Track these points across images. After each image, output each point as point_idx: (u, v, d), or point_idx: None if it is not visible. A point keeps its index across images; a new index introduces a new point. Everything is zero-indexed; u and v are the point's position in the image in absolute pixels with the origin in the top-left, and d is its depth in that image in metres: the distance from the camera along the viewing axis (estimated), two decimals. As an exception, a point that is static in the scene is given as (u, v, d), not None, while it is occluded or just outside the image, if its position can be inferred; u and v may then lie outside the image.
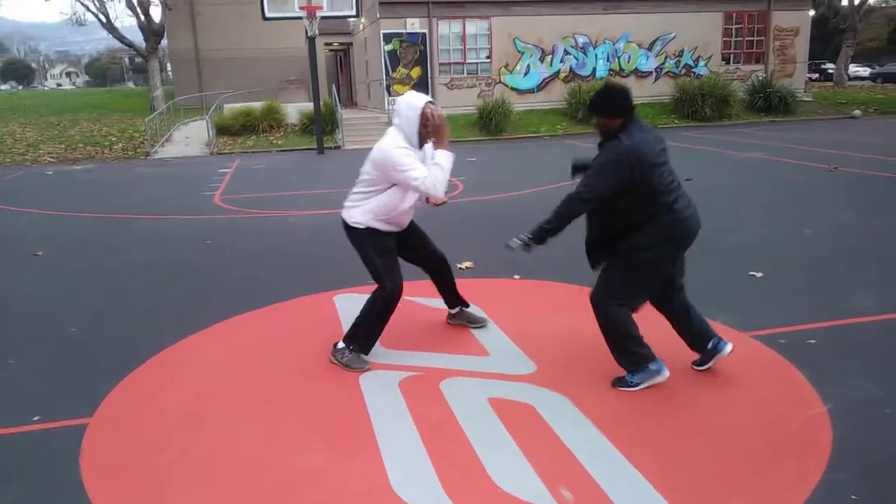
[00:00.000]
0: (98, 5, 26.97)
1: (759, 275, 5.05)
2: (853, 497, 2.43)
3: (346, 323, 4.35)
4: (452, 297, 4.23)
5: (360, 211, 3.67)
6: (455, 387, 3.42)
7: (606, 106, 3.09)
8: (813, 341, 3.81)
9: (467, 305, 4.30)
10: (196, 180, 11.87)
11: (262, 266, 5.94)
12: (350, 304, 4.70)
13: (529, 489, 2.54)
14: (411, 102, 3.48)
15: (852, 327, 4.01)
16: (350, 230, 3.74)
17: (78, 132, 20.76)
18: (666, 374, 3.28)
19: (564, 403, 3.20)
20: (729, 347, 3.38)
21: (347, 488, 2.60)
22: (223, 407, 3.30)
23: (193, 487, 2.64)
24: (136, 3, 25.95)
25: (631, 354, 3.28)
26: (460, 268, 5.49)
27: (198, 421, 3.17)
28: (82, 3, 27.30)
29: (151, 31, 26.73)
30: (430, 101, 3.50)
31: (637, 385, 3.27)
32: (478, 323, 4.24)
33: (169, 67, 37.83)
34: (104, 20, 27.39)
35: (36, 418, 3.25)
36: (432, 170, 3.47)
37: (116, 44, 35.01)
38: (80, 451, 2.94)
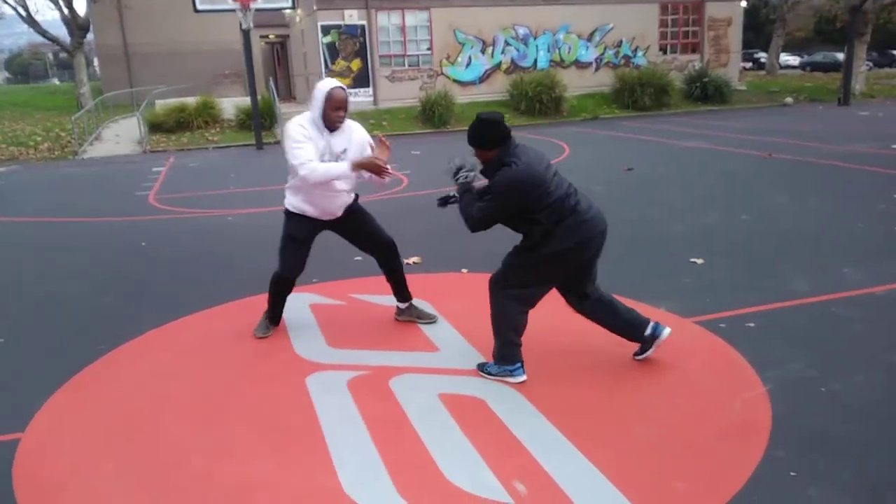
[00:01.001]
0: (17, -2, 25.64)
1: (700, 261, 5.18)
2: (792, 474, 2.51)
3: (291, 323, 4.29)
4: (400, 289, 4.19)
5: (290, 192, 3.86)
6: (405, 384, 3.38)
7: (483, 140, 3.16)
8: (752, 325, 3.92)
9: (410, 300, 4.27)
10: (129, 180, 11.44)
11: (201, 268, 5.76)
12: (294, 304, 4.61)
13: (483, 484, 2.53)
14: (319, 86, 3.61)
15: (789, 310, 4.16)
16: (285, 212, 3.93)
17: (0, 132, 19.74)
18: (521, 378, 3.30)
19: (515, 396, 3.20)
20: (667, 331, 3.41)
21: (298, 494, 2.54)
22: (163, 417, 3.18)
23: (142, 499, 2.53)
24: (58, -5, 24.78)
25: (505, 346, 3.32)
26: (408, 263, 5.43)
27: (137, 432, 3.04)
28: (-1, -4, 25.91)
29: (76, 25, 25.54)
30: (339, 86, 3.60)
31: (492, 376, 3.35)
32: (428, 319, 4.21)
33: (96, 63, 36.34)
34: (24, 14, 26.05)
35: (-40, 437, 3.06)
36: (324, 165, 3.59)
37: (38, 38, 33.36)
38: (12, 467, 2.78)
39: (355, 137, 3.78)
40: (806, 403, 3.02)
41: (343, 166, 3.62)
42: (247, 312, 4.56)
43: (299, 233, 3.88)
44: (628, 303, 3.82)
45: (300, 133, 3.58)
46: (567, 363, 3.53)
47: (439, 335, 4.01)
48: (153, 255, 6.26)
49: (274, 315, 4.11)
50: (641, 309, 4.22)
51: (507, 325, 3.30)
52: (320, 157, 3.63)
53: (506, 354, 3.33)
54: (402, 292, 4.20)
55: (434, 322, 4.19)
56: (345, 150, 3.72)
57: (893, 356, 3.44)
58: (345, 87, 3.65)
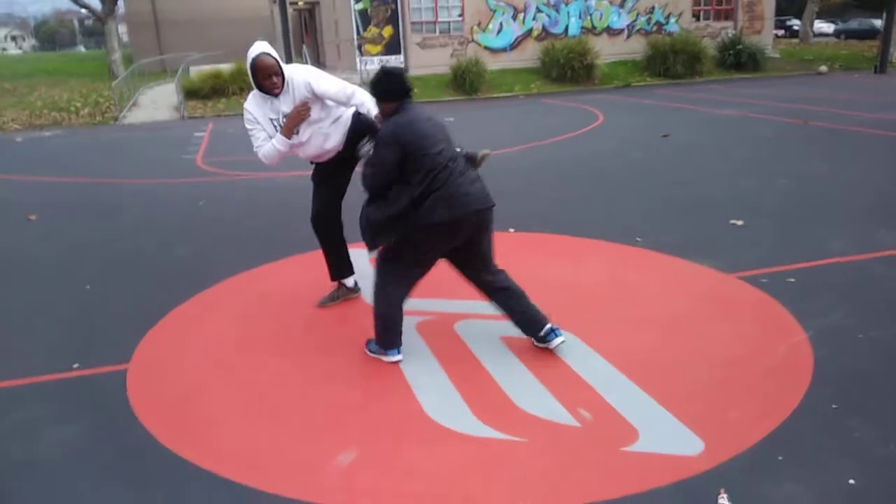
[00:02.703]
0: (52, -36, 25.89)
1: (740, 223, 5.37)
2: (834, 406, 2.77)
3: (360, 275, 4.58)
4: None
5: None
6: (468, 327, 3.67)
7: (380, 90, 3.11)
8: (792, 280, 4.14)
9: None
10: (173, 144, 11.79)
11: (261, 224, 6.09)
12: (356, 259, 4.91)
13: (551, 410, 2.82)
14: (248, 55, 3.49)
15: (827, 267, 4.36)
16: None
17: (38, 98, 20.18)
18: (394, 359, 3.27)
19: (573, 339, 3.47)
20: (559, 340, 3.29)
21: (386, 416, 2.85)
22: (255, 350, 3.51)
23: (247, 419, 2.87)
24: (92, -37, 25.04)
25: (382, 328, 3.27)
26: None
27: (234, 362, 3.38)
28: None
29: (108, -7, 25.82)
30: (263, 52, 3.45)
31: (372, 353, 3.35)
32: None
33: (124, 30, 36.65)
34: (58, -20, 26.37)
35: (76, 365, 3.42)
36: (269, 144, 3.62)
37: (63, 5, 33.85)
38: (126, 392, 3.13)
39: (297, 94, 3.57)
40: (845, 348, 3.26)
41: (279, 137, 3.58)
42: (307, 265, 4.87)
43: (313, 176, 4.01)
44: (672, 260, 4.07)
45: (247, 119, 3.64)
46: (621, 312, 3.79)
47: (495, 287, 4.28)
48: (212, 213, 6.60)
49: (330, 267, 4.09)
50: (685, 265, 4.48)
51: (382, 306, 3.23)
52: (274, 124, 3.62)
53: (382, 338, 3.28)
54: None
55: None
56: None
57: (929, 308, 3.66)
58: (270, 51, 3.48)
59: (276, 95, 3.54)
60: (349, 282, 4.20)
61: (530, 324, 3.35)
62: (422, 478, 2.46)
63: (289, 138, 3.64)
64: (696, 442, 2.59)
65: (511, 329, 3.62)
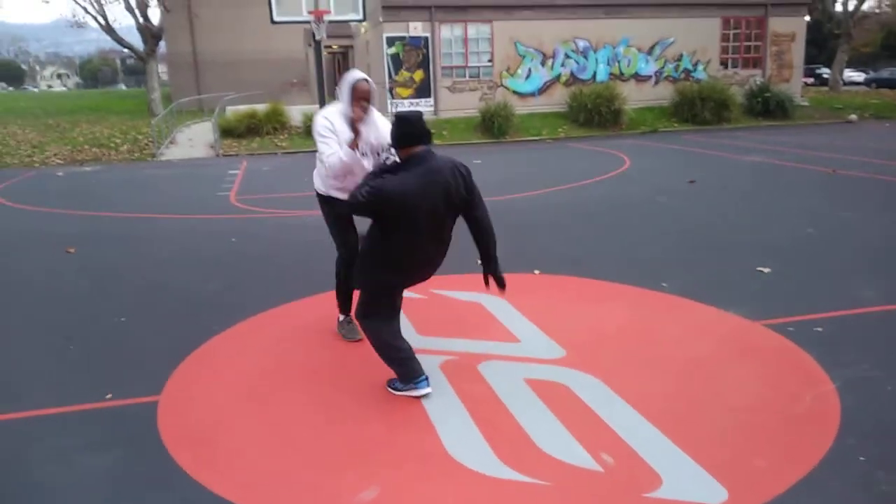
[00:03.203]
0: (97, 7, 27.14)
1: (767, 270, 5.36)
2: (861, 458, 2.73)
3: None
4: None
5: (316, 175, 4.13)
6: (492, 368, 3.71)
7: (394, 137, 3.20)
8: (820, 329, 4.11)
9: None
10: (208, 181, 12.13)
11: (291, 261, 6.22)
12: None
13: (573, 454, 2.83)
14: (346, 77, 3.72)
15: (855, 317, 4.32)
16: (317, 197, 4.17)
17: (80, 134, 20.92)
18: (423, 391, 3.33)
19: (596, 383, 3.48)
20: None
21: (410, 453, 2.89)
22: (282, 386, 3.58)
23: (272, 451, 2.93)
24: (134, 5, 26.15)
25: (397, 364, 3.37)
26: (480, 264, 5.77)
27: (262, 397, 3.45)
28: (80, 5, 27.45)
29: (150, 34, 26.92)
30: (363, 78, 3.69)
31: (398, 391, 3.40)
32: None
33: (164, 69, 38.05)
34: (103, 23, 27.56)
35: (108, 396, 3.52)
36: (338, 154, 3.68)
37: (107, 45, 35.32)
38: (157, 423, 3.21)
39: (381, 130, 3.81)
40: (873, 399, 3.22)
41: (346, 150, 3.68)
42: (335, 302, 4.97)
43: (338, 221, 4.11)
44: (697, 306, 4.07)
45: (323, 126, 3.73)
46: (645, 357, 3.80)
47: (519, 328, 4.32)
48: (243, 249, 6.76)
49: (343, 305, 4.24)
50: (710, 311, 4.48)
51: (383, 347, 3.41)
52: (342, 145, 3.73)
53: (401, 373, 3.39)
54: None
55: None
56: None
57: (961, 362, 3.60)
58: (370, 80, 3.73)
59: (359, 121, 3.68)
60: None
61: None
62: (443, 517, 2.48)
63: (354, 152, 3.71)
64: (719, 490, 2.58)
65: (535, 371, 3.66)
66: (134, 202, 10.00)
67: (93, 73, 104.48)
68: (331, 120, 3.75)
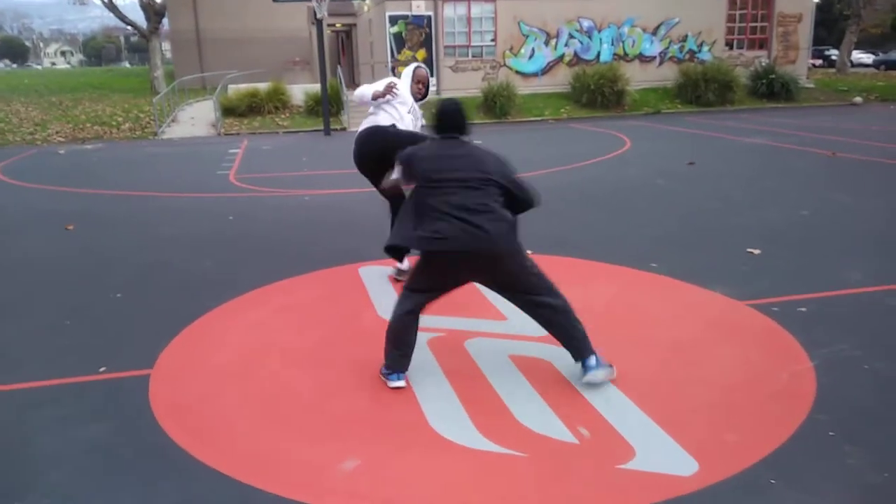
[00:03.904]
0: (100, -17, 26.99)
1: (756, 252, 5.40)
2: (831, 433, 2.80)
3: (373, 291, 4.74)
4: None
5: (368, 117, 4.90)
6: (478, 345, 3.78)
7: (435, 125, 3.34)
8: (803, 309, 4.17)
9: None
10: (208, 160, 12.18)
11: (287, 240, 6.29)
12: (374, 275, 5.08)
13: (551, 427, 2.91)
14: (409, 66, 4.96)
15: (840, 298, 4.38)
16: (375, 130, 4.74)
17: (82, 112, 20.98)
18: (394, 384, 3.28)
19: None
20: (591, 375, 3.23)
21: (393, 426, 2.97)
22: (272, 361, 3.66)
23: (259, 424, 3.01)
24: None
25: (388, 351, 3.33)
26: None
27: (251, 371, 3.53)
28: (84, -19, 27.33)
29: (153, 11, 26.80)
30: (420, 65, 4.93)
31: (382, 376, 3.36)
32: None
33: (167, 47, 37.90)
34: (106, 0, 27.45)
35: (102, 369, 3.61)
36: (366, 91, 4.71)
37: (111, 22, 35.15)
38: (148, 396, 3.30)
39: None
40: (849, 378, 3.28)
41: (369, 90, 4.68)
42: (331, 280, 5.05)
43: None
44: (684, 286, 4.13)
45: (388, 82, 4.64)
46: (629, 336, 3.86)
47: (506, 306, 4.36)
48: (240, 228, 6.83)
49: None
50: (697, 291, 4.53)
51: (389, 331, 3.32)
52: (409, 113, 4.74)
53: (389, 360, 3.34)
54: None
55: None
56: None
57: (939, 342, 3.66)
58: (425, 67, 4.97)
59: (418, 99, 4.88)
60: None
61: (572, 351, 3.32)
62: (421, 485, 2.56)
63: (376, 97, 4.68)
64: (690, 462, 2.65)
65: (519, 348, 3.73)
66: (134, 180, 10.07)
67: (96, 50, 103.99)
68: (401, 86, 4.72)
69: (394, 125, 4.66)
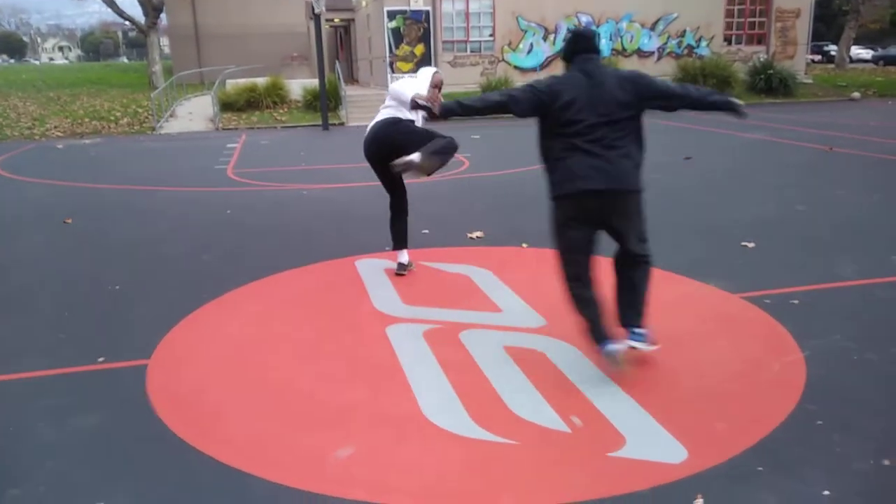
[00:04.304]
0: (99, -22, 26.92)
1: (751, 245, 5.43)
2: (819, 422, 2.84)
3: (369, 284, 4.77)
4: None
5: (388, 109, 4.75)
6: (473, 337, 3.81)
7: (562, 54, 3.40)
8: (796, 302, 4.20)
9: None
10: (207, 154, 12.19)
11: (283, 234, 6.31)
12: (370, 269, 5.12)
13: (544, 416, 2.95)
14: (425, 70, 4.76)
15: (833, 290, 4.41)
16: (395, 122, 4.67)
17: (80, 107, 20.96)
18: (612, 348, 3.18)
19: (572, 351, 3.59)
20: (639, 343, 3.32)
21: (388, 415, 3.00)
22: (269, 352, 3.70)
23: (256, 413, 3.05)
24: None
25: (583, 327, 3.31)
26: (470, 237, 5.87)
27: (248, 362, 3.57)
28: (83, -23, 27.23)
29: (151, 6, 26.75)
30: (437, 71, 4.77)
31: (601, 352, 3.27)
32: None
33: (166, 42, 37.82)
34: (104, -6, 27.39)
35: (101, 359, 3.64)
36: (410, 85, 4.48)
37: (109, 17, 35.08)
38: (145, 385, 3.33)
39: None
40: (839, 368, 3.32)
41: (409, 97, 4.24)
42: (328, 273, 5.08)
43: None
44: (678, 278, 4.15)
45: (414, 80, 4.61)
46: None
47: (502, 298, 4.42)
48: (238, 222, 6.86)
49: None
50: (691, 284, 4.57)
51: (572, 305, 3.35)
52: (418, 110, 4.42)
53: (589, 335, 3.28)
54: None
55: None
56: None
57: (929, 334, 3.70)
58: (441, 72, 4.86)
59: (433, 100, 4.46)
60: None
61: (620, 317, 3.40)
62: (415, 473, 2.60)
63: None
64: (680, 450, 2.68)
65: (514, 339, 3.76)
66: (132, 175, 10.09)
67: (94, 45, 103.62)
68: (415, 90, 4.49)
69: (412, 121, 4.65)
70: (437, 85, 4.63)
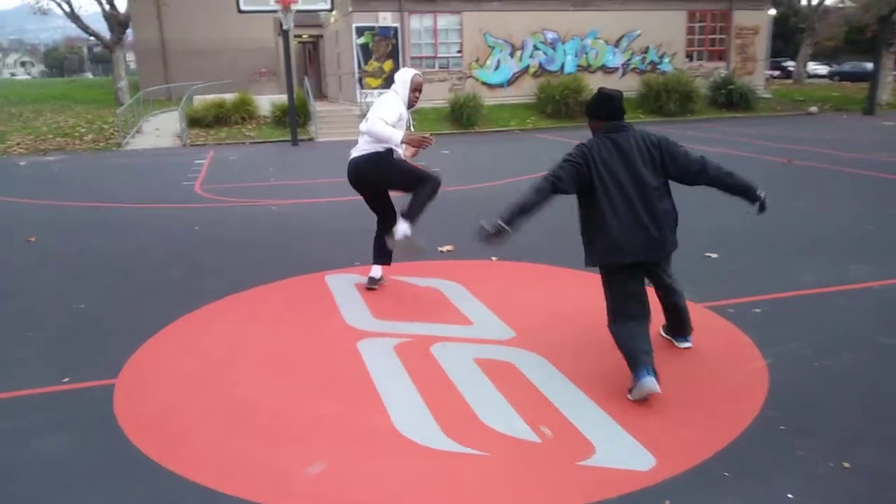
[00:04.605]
0: (61, -7, 26.50)
1: (714, 256, 5.57)
2: (782, 428, 2.92)
3: (339, 299, 4.76)
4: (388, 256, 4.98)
5: (371, 143, 4.53)
6: (444, 350, 3.84)
7: (587, 108, 3.45)
8: (758, 310, 4.32)
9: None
10: (174, 171, 12.06)
11: (252, 250, 6.27)
12: (340, 283, 5.12)
13: (514, 427, 2.98)
14: (403, 73, 4.61)
15: (793, 299, 4.54)
16: (376, 160, 4.53)
17: (44, 123, 20.58)
18: (639, 382, 3.12)
19: (541, 362, 3.63)
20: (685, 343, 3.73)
21: (359, 430, 3.01)
22: (238, 369, 3.67)
23: (225, 430, 3.02)
24: (101, -7, 25.65)
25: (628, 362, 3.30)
26: (441, 251, 5.91)
27: (217, 380, 3.54)
28: (44, -9, 26.82)
29: (117, 22, 26.43)
30: (418, 73, 4.63)
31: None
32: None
33: (132, 58, 37.37)
34: (68, 9, 26.96)
35: (66, 379, 3.58)
36: (390, 129, 4.32)
37: (73, 32, 34.44)
38: (113, 405, 3.28)
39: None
40: (799, 374, 3.42)
41: (398, 136, 4.33)
42: (298, 288, 5.07)
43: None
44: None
45: (396, 101, 4.47)
46: (589, 337, 3.95)
47: (473, 312, 4.46)
48: (206, 238, 6.80)
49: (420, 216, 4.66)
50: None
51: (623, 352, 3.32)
52: (397, 124, 4.43)
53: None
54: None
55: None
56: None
57: (882, 339, 3.82)
58: (420, 73, 4.69)
59: (410, 108, 4.63)
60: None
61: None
62: (386, 487, 2.61)
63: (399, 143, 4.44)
64: (648, 458, 2.74)
65: (484, 351, 3.80)
66: (97, 192, 9.93)
67: (58, 60, 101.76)
68: (396, 104, 4.48)
69: (390, 152, 4.54)
70: (417, 88, 4.59)
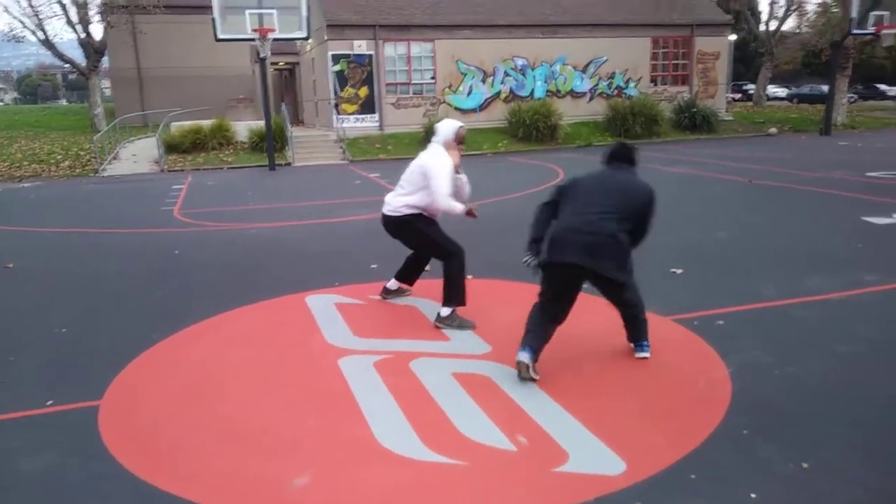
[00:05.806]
0: (35, 22, 26.42)
1: (679, 271, 5.79)
2: (745, 431, 3.10)
3: (320, 319, 4.87)
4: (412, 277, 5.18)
5: (411, 203, 4.61)
6: (423, 365, 3.97)
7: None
8: (721, 322, 4.52)
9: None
10: (152, 196, 12.07)
11: (234, 272, 6.35)
12: (321, 304, 5.23)
13: (492, 437, 3.11)
14: (448, 124, 4.67)
15: (754, 311, 4.76)
16: (405, 223, 4.67)
17: (18, 150, 20.41)
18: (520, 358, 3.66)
19: (516, 375, 3.77)
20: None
21: (342, 443, 3.12)
22: (222, 387, 3.76)
23: (210, 447, 3.11)
24: (76, 21, 25.62)
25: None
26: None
27: (202, 398, 3.62)
28: (19, 20, 26.70)
29: (93, 49, 26.37)
30: (462, 125, 4.68)
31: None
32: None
33: (108, 85, 37.21)
34: (42, 37, 26.84)
35: (49, 402, 3.63)
36: (452, 201, 4.51)
37: (47, 59, 34.22)
38: (97, 426, 3.34)
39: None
40: (761, 381, 3.61)
41: (459, 209, 4.51)
42: (279, 309, 5.17)
43: (434, 223, 4.75)
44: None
45: (447, 163, 4.51)
46: (563, 351, 4.10)
47: (450, 329, 4.59)
48: (187, 262, 6.86)
49: (465, 295, 4.68)
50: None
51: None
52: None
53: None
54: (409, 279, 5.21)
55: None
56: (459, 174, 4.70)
57: (840, 347, 4.04)
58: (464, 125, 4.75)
59: (458, 159, 4.63)
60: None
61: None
62: (368, 496, 2.72)
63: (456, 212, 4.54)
64: (618, 463, 2.89)
65: (462, 366, 3.94)
66: (75, 218, 9.92)
67: (32, 88, 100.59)
68: (450, 169, 4.52)
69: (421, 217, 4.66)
70: (460, 141, 4.58)
